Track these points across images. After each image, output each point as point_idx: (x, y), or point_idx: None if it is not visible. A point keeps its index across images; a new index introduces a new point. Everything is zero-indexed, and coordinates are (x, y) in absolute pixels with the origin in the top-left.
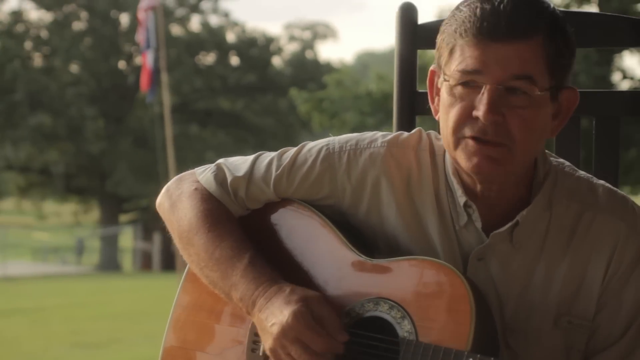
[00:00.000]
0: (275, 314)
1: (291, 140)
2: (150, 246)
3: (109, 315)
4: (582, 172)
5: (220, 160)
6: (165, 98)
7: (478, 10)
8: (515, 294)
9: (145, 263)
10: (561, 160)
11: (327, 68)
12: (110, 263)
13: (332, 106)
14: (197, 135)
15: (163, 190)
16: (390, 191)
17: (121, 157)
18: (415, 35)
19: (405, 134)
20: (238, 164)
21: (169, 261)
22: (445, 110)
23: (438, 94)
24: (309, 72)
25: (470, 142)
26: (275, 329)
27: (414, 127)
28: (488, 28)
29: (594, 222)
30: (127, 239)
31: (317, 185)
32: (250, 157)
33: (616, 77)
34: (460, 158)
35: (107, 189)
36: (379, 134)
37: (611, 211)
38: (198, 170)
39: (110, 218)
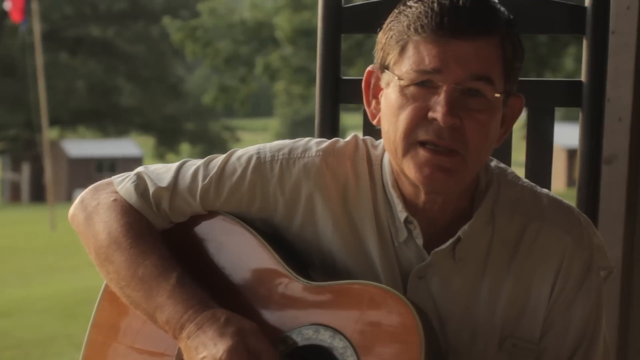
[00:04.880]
0: (207, 346)
1: (164, 68)
2: (19, 177)
3: None
4: (525, 180)
5: (141, 169)
6: (36, 26)
7: (436, 5)
8: (458, 314)
9: (13, 195)
10: (503, 166)
11: None
12: None
13: (205, 35)
14: (67, 64)
15: (77, 201)
16: (326, 204)
17: None
18: (340, 18)
19: (341, 141)
20: (160, 172)
21: (39, 193)
22: (394, 113)
23: (376, 96)
24: None
25: (422, 152)
26: None
27: (337, 116)
28: (449, 23)
29: (538, 235)
30: None
31: (247, 197)
32: (174, 166)
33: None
34: (408, 167)
35: None
36: (313, 141)
37: (557, 224)
38: (116, 179)
39: None
